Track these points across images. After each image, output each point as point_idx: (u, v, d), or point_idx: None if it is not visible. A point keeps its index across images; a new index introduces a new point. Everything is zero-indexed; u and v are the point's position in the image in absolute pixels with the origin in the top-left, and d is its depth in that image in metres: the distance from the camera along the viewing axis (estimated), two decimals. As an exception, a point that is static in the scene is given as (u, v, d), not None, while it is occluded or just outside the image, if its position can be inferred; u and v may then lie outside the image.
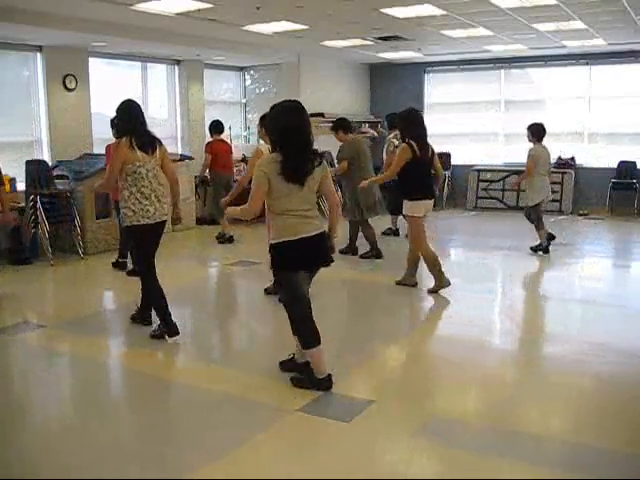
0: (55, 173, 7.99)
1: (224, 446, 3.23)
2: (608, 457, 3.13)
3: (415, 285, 6.14)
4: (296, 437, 3.48)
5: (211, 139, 8.92)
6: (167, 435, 3.41)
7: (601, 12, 7.63)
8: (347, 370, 4.29)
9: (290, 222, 3.70)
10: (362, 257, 7.61)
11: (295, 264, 3.78)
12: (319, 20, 8.05)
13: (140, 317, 5.17)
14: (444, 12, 7.59)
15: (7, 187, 7.55)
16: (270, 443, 3.32)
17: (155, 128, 11.57)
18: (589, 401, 3.84)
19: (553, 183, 11.48)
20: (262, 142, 5.98)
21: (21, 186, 7.82)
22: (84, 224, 7.85)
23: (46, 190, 7.65)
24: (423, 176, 5.94)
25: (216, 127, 8.85)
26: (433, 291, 5.96)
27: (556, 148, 11.71)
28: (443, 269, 5.89)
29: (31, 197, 7.50)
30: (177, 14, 7.45)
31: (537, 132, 7.82)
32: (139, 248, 4.92)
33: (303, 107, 3.77)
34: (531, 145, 7.83)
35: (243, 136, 12.23)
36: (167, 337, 4.75)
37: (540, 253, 7.75)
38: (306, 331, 3.87)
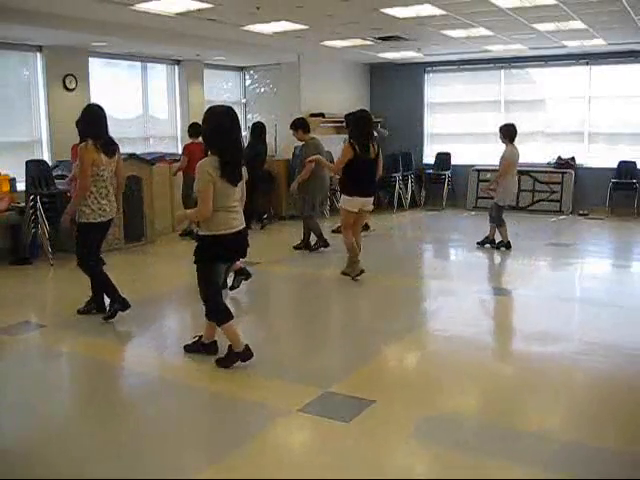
0: (55, 173, 7.99)
1: (224, 446, 3.23)
2: (606, 456, 3.13)
3: (361, 273, 6.45)
4: (296, 437, 3.48)
5: (189, 141, 8.98)
6: (167, 435, 3.41)
7: (601, 12, 7.62)
8: (347, 370, 4.30)
9: (225, 217, 4.07)
10: (311, 250, 8.04)
11: (224, 255, 4.27)
12: (319, 20, 8.05)
13: (90, 307, 5.48)
14: (444, 12, 7.59)
15: (7, 187, 7.61)
16: (270, 443, 3.32)
17: (155, 128, 11.61)
18: (587, 400, 3.84)
19: (553, 183, 11.64)
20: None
21: (21, 186, 7.82)
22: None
23: (46, 190, 7.66)
24: (362, 174, 6.34)
25: (195, 130, 8.66)
26: (343, 273, 6.52)
27: (556, 148, 11.78)
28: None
29: (31, 197, 7.49)
30: (177, 14, 7.45)
31: (509, 133, 7.86)
32: (92, 242, 5.24)
33: (234, 111, 4.16)
34: (504, 146, 7.90)
35: (243, 136, 12.23)
36: (122, 312, 5.26)
37: (503, 249, 7.97)
38: (220, 310, 4.27)
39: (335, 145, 11.98)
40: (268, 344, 4.91)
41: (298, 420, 3.54)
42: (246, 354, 4.20)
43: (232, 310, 4.37)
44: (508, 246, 7.97)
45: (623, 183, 10.97)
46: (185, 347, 4.55)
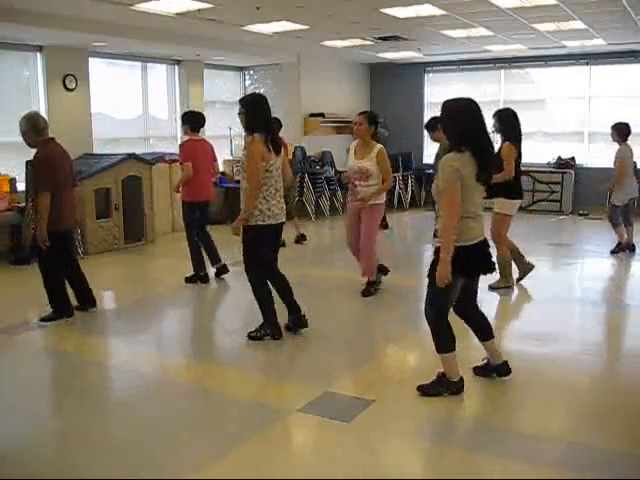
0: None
1: (224, 446, 3.22)
2: (606, 457, 3.13)
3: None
4: (296, 437, 3.48)
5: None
6: (167, 435, 3.41)
7: (601, 12, 7.63)
8: (347, 370, 4.30)
9: (470, 225, 3.58)
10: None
11: (471, 269, 3.65)
12: (319, 20, 8.05)
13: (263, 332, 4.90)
14: (444, 12, 7.59)
15: (7, 187, 7.61)
16: (270, 443, 3.32)
17: (155, 128, 11.59)
18: (587, 401, 3.84)
19: (553, 183, 11.63)
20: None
21: (21, 186, 7.82)
22: (84, 224, 7.85)
23: (46, 190, 7.64)
24: (520, 175, 6.05)
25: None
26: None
27: (556, 148, 11.78)
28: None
29: (31, 197, 7.49)
30: (177, 14, 7.45)
31: (620, 132, 7.80)
32: (259, 248, 4.75)
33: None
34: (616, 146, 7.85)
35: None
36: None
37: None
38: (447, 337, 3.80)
39: (336, 145, 12.03)
40: (268, 344, 4.91)
41: (298, 420, 3.54)
42: (459, 385, 3.79)
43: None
44: (631, 248, 7.82)
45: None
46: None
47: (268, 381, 4.10)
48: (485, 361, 4.06)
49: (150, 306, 5.98)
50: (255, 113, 4.67)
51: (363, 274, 6.06)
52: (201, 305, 6.18)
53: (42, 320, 5.28)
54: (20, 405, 3.85)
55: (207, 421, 3.56)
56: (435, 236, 3.65)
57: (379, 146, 5.78)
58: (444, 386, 3.78)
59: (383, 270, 6.20)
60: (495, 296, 6.05)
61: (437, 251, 3.54)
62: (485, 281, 5.65)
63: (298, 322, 4.90)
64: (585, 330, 5.30)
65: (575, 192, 11.42)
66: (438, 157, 7.54)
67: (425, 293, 3.75)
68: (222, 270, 6.70)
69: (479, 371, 4.07)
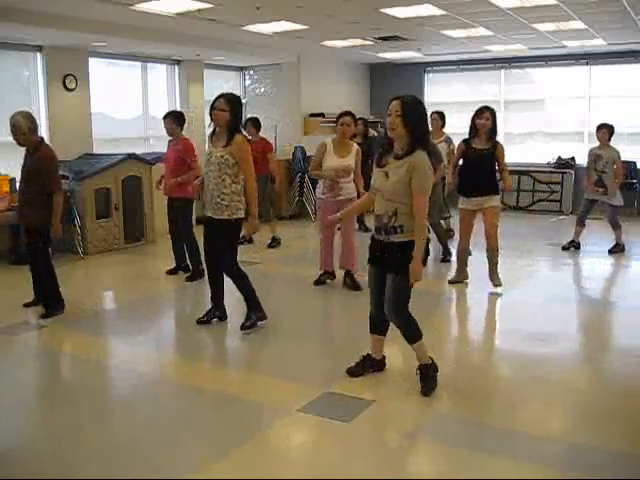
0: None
1: (224, 446, 3.22)
2: (607, 457, 3.13)
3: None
4: (296, 437, 3.48)
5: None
6: (166, 435, 3.41)
7: (601, 12, 7.63)
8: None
9: None
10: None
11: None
12: (319, 20, 8.05)
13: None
14: (444, 12, 7.59)
15: (7, 187, 7.60)
16: (270, 443, 3.32)
17: (155, 128, 11.55)
18: (587, 401, 3.83)
19: (553, 183, 11.62)
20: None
21: (21, 186, 7.81)
22: (84, 224, 7.86)
23: (46, 190, 7.64)
24: None
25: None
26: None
27: (556, 148, 11.77)
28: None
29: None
30: (177, 14, 7.45)
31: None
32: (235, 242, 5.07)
33: None
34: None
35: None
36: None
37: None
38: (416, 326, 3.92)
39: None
40: (268, 344, 4.91)
41: (298, 420, 3.54)
42: (435, 365, 3.90)
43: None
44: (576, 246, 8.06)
45: (623, 183, 10.92)
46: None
47: (268, 381, 4.10)
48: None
49: (150, 306, 5.98)
50: (240, 114, 4.95)
51: (341, 266, 6.34)
52: (201, 305, 6.17)
53: (44, 317, 5.34)
54: (20, 405, 3.85)
55: (206, 421, 3.55)
56: (389, 232, 3.64)
57: (356, 145, 6.18)
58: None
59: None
60: (493, 296, 6.05)
61: (400, 246, 3.61)
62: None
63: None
64: (585, 330, 5.30)
65: (575, 192, 11.40)
66: None
67: (420, 291, 3.74)
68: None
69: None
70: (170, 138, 6.83)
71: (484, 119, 5.92)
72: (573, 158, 11.56)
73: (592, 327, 5.34)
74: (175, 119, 6.73)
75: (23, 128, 5.19)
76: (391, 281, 3.69)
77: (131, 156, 8.50)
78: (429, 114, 6.35)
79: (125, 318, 5.64)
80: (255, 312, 5.05)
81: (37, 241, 5.36)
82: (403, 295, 3.72)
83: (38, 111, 8.55)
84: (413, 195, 3.57)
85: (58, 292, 5.50)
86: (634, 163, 10.97)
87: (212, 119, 4.86)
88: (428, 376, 3.83)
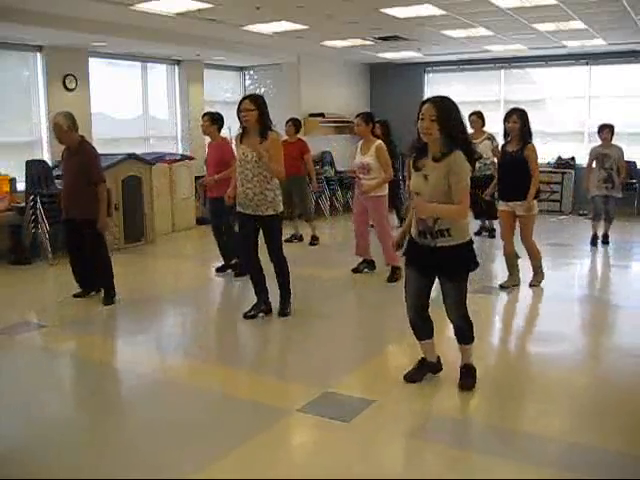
0: (55, 173, 7.99)
1: (224, 446, 3.22)
2: (606, 457, 3.13)
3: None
4: (296, 437, 3.48)
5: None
6: (166, 435, 3.40)
7: (601, 12, 7.63)
8: (347, 370, 4.30)
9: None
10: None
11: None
12: (319, 20, 8.05)
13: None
14: (444, 12, 7.60)
15: (7, 187, 7.61)
16: (270, 443, 3.31)
17: (155, 128, 11.55)
18: (587, 401, 3.83)
19: (553, 183, 11.62)
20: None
21: (21, 186, 7.82)
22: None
23: (46, 190, 7.65)
24: None
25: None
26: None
27: (556, 148, 11.77)
28: None
29: (31, 197, 7.49)
30: (177, 14, 7.45)
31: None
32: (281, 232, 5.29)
33: None
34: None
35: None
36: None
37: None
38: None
39: (335, 145, 12.03)
40: (268, 344, 4.91)
41: (298, 420, 3.54)
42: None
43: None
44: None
45: (623, 183, 10.93)
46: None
47: (268, 381, 4.10)
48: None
49: (150, 306, 5.98)
50: (267, 110, 5.04)
51: (387, 263, 6.59)
52: (200, 305, 6.17)
53: (106, 304, 5.67)
54: (20, 405, 3.85)
55: (207, 421, 3.55)
56: (435, 236, 3.62)
57: (378, 142, 6.43)
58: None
59: (371, 264, 6.84)
60: (493, 296, 6.05)
61: (453, 249, 3.62)
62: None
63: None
64: (585, 330, 5.30)
65: (575, 192, 11.41)
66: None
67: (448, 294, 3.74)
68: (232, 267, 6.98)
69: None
70: (209, 139, 6.95)
71: (511, 122, 5.88)
72: (573, 158, 11.56)
73: (592, 327, 5.34)
74: (210, 119, 6.82)
75: (64, 127, 5.46)
76: (450, 286, 3.73)
77: (131, 156, 8.50)
78: (466, 116, 6.21)
79: (125, 318, 5.64)
80: (287, 300, 5.28)
81: (92, 231, 5.55)
82: (465, 297, 3.78)
83: (38, 111, 8.57)
84: (453, 195, 3.55)
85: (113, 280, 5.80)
86: (634, 163, 10.97)
87: (241, 121, 5.01)
88: (471, 375, 3.90)
